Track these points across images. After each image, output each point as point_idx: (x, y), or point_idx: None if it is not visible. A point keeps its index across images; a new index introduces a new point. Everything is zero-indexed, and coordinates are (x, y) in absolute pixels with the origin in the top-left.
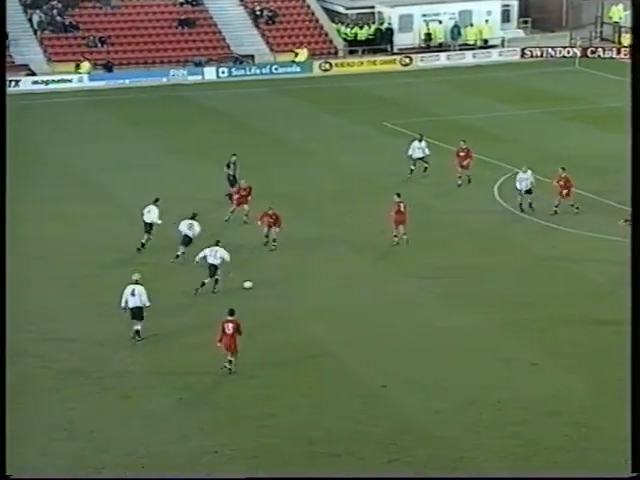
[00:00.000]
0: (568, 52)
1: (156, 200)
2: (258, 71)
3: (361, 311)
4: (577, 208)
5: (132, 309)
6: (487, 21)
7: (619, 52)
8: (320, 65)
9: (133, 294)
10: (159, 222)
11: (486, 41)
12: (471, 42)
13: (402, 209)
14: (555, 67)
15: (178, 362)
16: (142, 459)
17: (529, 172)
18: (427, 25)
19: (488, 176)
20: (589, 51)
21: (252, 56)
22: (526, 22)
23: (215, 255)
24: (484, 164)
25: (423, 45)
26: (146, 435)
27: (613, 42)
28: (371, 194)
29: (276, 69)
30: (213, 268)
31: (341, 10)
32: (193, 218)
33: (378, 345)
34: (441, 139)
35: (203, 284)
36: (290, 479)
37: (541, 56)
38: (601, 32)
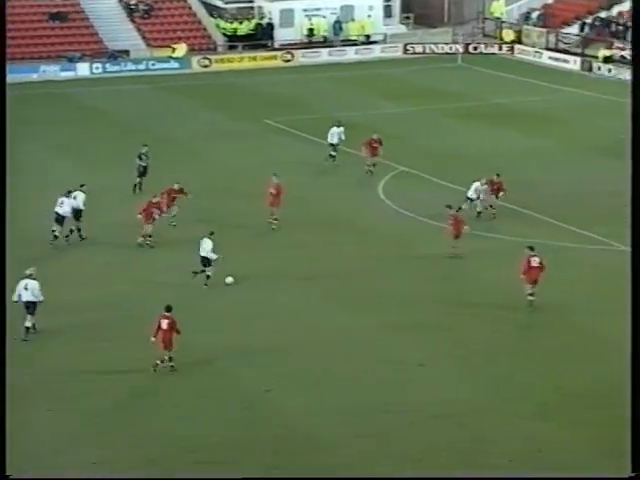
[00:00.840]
0: (451, 48)
1: (81, 185)
2: (134, 67)
3: (246, 315)
4: (494, 214)
5: (25, 303)
6: (369, 16)
7: (501, 48)
8: (199, 61)
9: (26, 288)
10: (83, 208)
11: (368, 37)
12: (353, 38)
13: (274, 192)
14: (438, 63)
15: (46, 367)
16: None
17: (485, 187)
18: (310, 20)
19: (373, 174)
20: (471, 47)
21: (127, 51)
22: (408, 18)
23: (202, 247)
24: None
25: (305, 41)
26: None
27: (495, 38)
28: (255, 192)
29: (153, 65)
30: (204, 260)
31: (220, 4)
32: (68, 195)
33: (262, 349)
34: (325, 137)
35: (196, 273)
36: (283, 479)
37: (424, 52)
38: (483, 28)
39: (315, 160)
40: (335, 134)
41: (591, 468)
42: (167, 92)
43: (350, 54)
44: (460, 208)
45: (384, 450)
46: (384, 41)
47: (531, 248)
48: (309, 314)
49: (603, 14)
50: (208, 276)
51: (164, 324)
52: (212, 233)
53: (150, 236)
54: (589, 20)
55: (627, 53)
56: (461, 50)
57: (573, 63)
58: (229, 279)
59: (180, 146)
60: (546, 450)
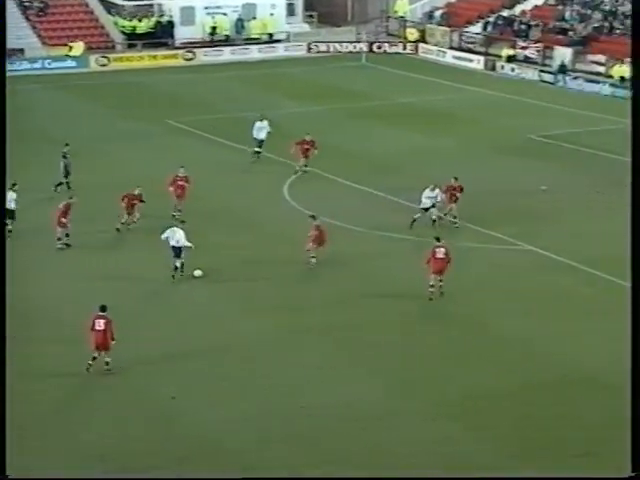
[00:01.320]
0: (355, 47)
1: (13, 185)
2: (29, 66)
3: (149, 319)
4: (456, 224)
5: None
6: (272, 14)
7: (405, 47)
8: (97, 59)
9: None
10: (13, 206)
11: (271, 35)
12: (256, 36)
13: (183, 182)
14: (342, 62)
15: None
16: None
17: (437, 190)
18: (212, 18)
19: (278, 175)
20: (375, 46)
21: (22, 50)
22: (312, 16)
23: (174, 237)
24: (273, 162)
25: (207, 39)
26: None
27: (399, 37)
28: (155, 192)
29: (49, 64)
30: (176, 250)
31: (118, 2)
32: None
33: (167, 355)
34: (228, 137)
35: (176, 268)
36: (285, 479)
37: (328, 51)
38: (387, 27)
39: (218, 160)
40: (261, 129)
41: (498, 469)
42: (64, 92)
43: (253, 53)
44: (414, 220)
45: (294, 455)
46: (287, 40)
47: (437, 239)
48: (214, 318)
49: (506, 13)
50: (176, 267)
51: (99, 324)
52: (183, 222)
53: (129, 223)
54: (492, 19)
55: (530, 52)
56: (365, 49)
57: (477, 62)
58: (198, 272)
59: (77, 147)
60: (454, 451)
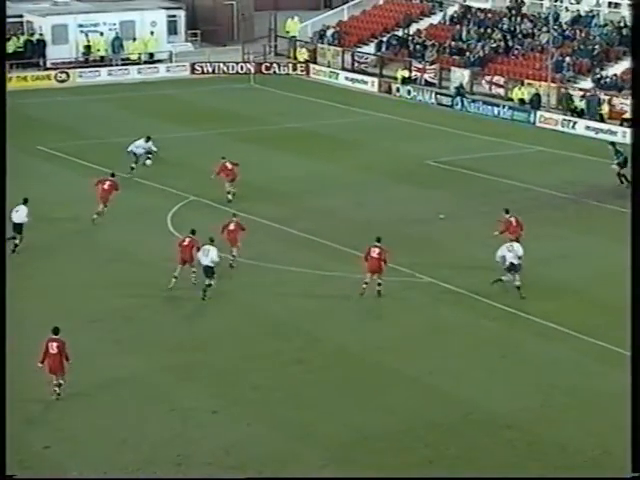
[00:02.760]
0: (242, 68)
1: (25, 200)
2: None
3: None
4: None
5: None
6: (152, 33)
7: (295, 68)
8: None
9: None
10: (26, 220)
11: (152, 55)
12: (135, 56)
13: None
14: (229, 84)
15: None
16: None
17: (515, 245)
18: (86, 37)
19: (160, 204)
20: (264, 67)
21: None
22: (195, 35)
23: (207, 255)
24: (155, 191)
25: (81, 59)
26: None
27: (288, 57)
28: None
29: None
30: (209, 270)
31: None
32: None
33: (43, 403)
34: (105, 163)
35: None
36: (289, 479)
37: (213, 72)
38: (275, 46)
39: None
40: (140, 147)
41: None
42: None
43: (133, 74)
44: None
45: None
46: (169, 60)
47: (378, 239)
48: (86, 358)
49: (400, 32)
50: (209, 285)
51: (52, 347)
52: (212, 240)
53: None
54: (386, 39)
55: (427, 74)
56: (253, 70)
57: (371, 84)
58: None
59: None
60: None
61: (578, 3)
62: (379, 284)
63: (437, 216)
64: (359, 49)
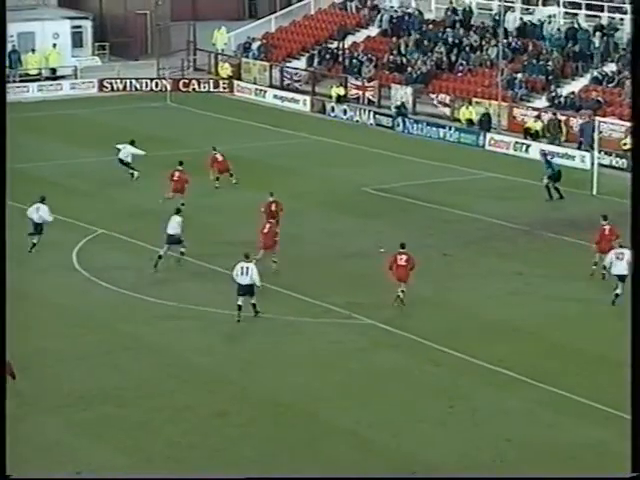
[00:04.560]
0: (157, 84)
1: (43, 199)
2: None
3: None
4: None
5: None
6: (54, 46)
7: (217, 85)
8: None
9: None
10: (50, 219)
11: (54, 70)
12: (35, 72)
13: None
14: (142, 102)
15: None
16: None
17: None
18: None
19: (65, 238)
20: (181, 83)
21: None
22: (103, 48)
23: (246, 272)
24: (58, 224)
25: None
26: None
27: (209, 73)
28: None
29: None
30: (247, 288)
31: None
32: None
33: None
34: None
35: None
36: (291, 479)
37: (124, 89)
38: (194, 61)
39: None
40: (128, 153)
41: None
42: None
43: (32, 91)
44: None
45: None
46: (74, 76)
47: (402, 246)
48: None
49: (334, 45)
50: (254, 305)
51: None
52: (247, 256)
53: None
54: (318, 52)
55: (367, 94)
56: (169, 87)
57: (303, 103)
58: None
59: None
60: None
61: (530, 13)
62: (402, 291)
63: (377, 249)
64: (288, 64)
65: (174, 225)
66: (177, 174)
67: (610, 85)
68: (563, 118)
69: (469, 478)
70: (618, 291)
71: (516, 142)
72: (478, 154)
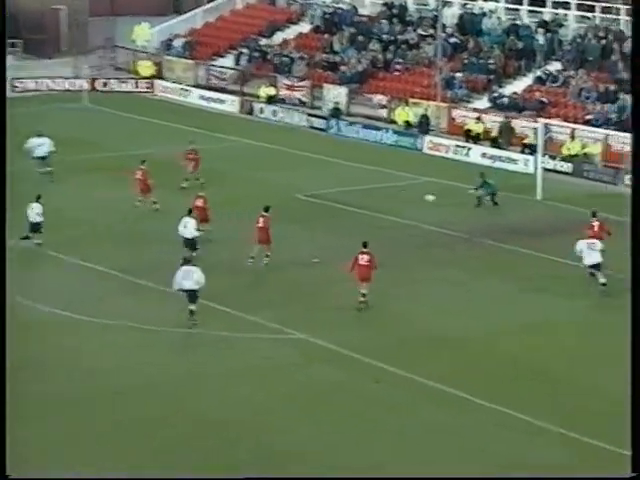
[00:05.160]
0: (73, 84)
1: (38, 197)
2: None
3: None
4: None
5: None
6: None
7: (137, 84)
8: None
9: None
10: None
11: None
12: None
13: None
14: (56, 103)
15: None
16: None
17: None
18: None
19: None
20: (100, 83)
21: None
22: (14, 45)
23: (190, 278)
24: None
25: None
26: None
27: (130, 72)
28: None
29: None
30: (192, 294)
31: None
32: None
33: None
34: None
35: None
36: (289, 479)
37: (37, 89)
38: (114, 59)
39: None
40: (42, 145)
41: None
42: None
43: None
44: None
45: None
46: None
47: (364, 245)
48: None
49: (263, 42)
50: (192, 313)
51: None
52: (188, 260)
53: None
54: (247, 50)
55: (298, 94)
56: (87, 87)
57: (230, 104)
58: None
59: None
60: None
61: (469, 8)
62: (364, 294)
63: (310, 259)
64: (215, 62)
65: (189, 229)
66: (140, 173)
67: (554, 85)
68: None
69: (469, 478)
70: (602, 280)
71: (456, 145)
72: (416, 158)
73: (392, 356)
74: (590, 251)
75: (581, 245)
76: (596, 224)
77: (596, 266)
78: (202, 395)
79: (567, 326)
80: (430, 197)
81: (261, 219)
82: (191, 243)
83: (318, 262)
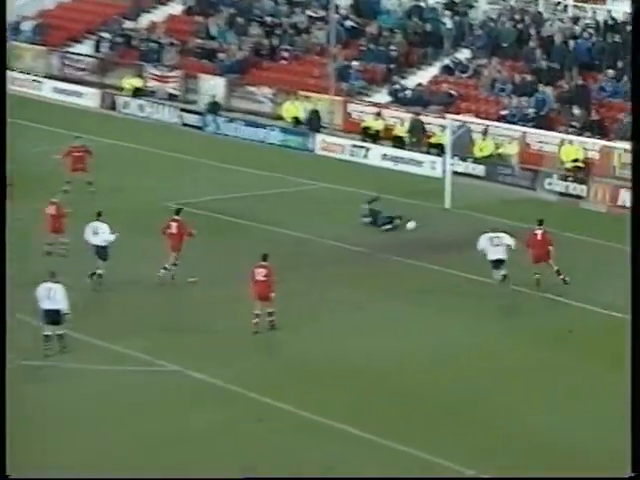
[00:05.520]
0: None
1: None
2: None
3: None
4: None
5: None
6: None
7: None
8: None
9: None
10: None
11: None
12: None
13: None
14: None
15: None
16: None
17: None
18: None
19: None
20: None
21: None
22: None
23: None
24: None
25: None
26: None
27: None
28: None
29: None
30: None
31: None
32: None
33: None
34: None
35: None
36: (289, 479)
37: None
38: None
39: None
40: None
41: None
42: None
43: None
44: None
45: None
46: None
47: (263, 257)
48: None
49: (128, 25)
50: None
51: None
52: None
53: None
54: (108, 35)
55: (172, 86)
56: None
57: (89, 97)
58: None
59: None
60: None
61: None
62: (270, 314)
63: (185, 279)
64: (71, 49)
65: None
66: (73, 150)
67: (464, 75)
68: (408, 115)
69: (470, 478)
70: (502, 272)
71: (353, 145)
72: (307, 160)
73: (279, 389)
74: (493, 247)
75: (483, 241)
76: (539, 232)
77: (499, 262)
78: (59, 439)
79: (473, 352)
80: (411, 225)
81: (174, 224)
82: (103, 252)
83: (195, 281)
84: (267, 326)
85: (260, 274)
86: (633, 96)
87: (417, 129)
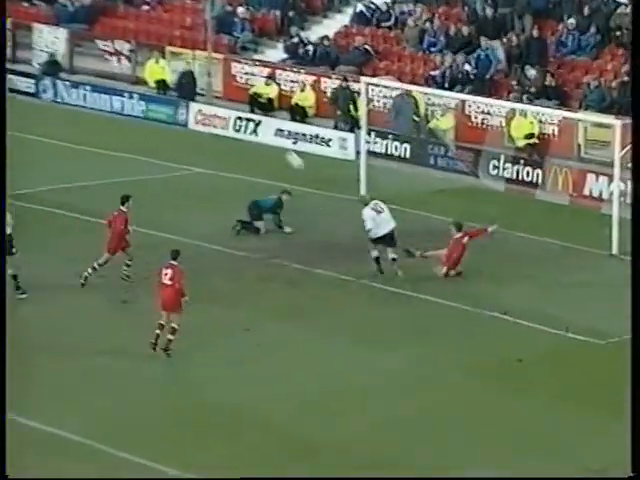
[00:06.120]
0: None
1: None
2: None
3: None
4: None
5: None
6: None
7: None
8: None
9: None
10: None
11: None
12: None
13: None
14: None
15: None
16: None
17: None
18: None
19: None
20: None
21: None
22: None
23: None
24: None
25: None
26: None
27: None
28: None
29: None
30: None
31: None
32: None
33: None
34: None
35: None
36: (291, 479)
37: None
38: None
39: None
40: None
41: None
42: None
43: None
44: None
45: None
46: None
47: (173, 255)
48: None
49: None
50: None
51: None
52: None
53: None
54: None
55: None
56: None
57: None
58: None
59: None
60: None
61: None
62: (172, 331)
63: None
64: None
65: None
66: None
67: (383, 25)
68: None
69: (471, 478)
70: (392, 256)
71: (238, 118)
72: (177, 136)
73: (138, 443)
74: (381, 221)
75: (368, 214)
76: (465, 240)
77: (386, 239)
78: None
79: (403, 390)
80: (295, 161)
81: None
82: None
83: (26, 298)
84: (162, 346)
85: (166, 276)
86: (633, 96)
87: (344, 99)
